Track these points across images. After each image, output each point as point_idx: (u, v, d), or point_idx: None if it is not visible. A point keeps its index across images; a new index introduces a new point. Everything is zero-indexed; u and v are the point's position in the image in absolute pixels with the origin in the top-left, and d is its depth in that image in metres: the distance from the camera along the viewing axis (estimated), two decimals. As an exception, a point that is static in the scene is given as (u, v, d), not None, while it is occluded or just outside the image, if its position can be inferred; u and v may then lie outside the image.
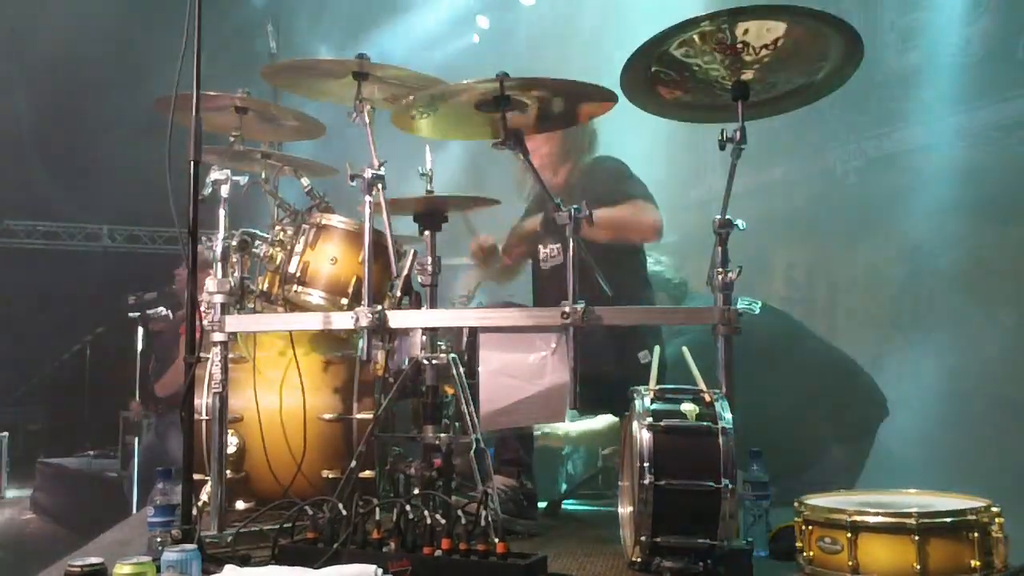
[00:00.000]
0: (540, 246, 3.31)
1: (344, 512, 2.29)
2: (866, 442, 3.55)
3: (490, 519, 2.17)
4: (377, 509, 2.27)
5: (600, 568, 2.37)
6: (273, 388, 3.06)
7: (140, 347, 6.12)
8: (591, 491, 3.52)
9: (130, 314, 6.01)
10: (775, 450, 2.67)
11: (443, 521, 2.18)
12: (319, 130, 3.22)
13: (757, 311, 3.62)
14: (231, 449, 2.94)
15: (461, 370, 2.63)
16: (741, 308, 3.58)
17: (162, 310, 5.86)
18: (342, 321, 2.57)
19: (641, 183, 3.26)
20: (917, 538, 1.97)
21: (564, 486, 3.69)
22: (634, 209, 3.14)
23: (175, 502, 2.41)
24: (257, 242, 2.94)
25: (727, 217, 2.40)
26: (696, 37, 2.30)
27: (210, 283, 2.63)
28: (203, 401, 2.85)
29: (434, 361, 2.63)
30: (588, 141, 3.40)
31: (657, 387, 2.35)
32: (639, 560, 2.20)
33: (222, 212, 2.70)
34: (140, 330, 6.06)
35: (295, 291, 2.90)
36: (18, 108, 6.92)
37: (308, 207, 3.07)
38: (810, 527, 2.14)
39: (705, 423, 2.21)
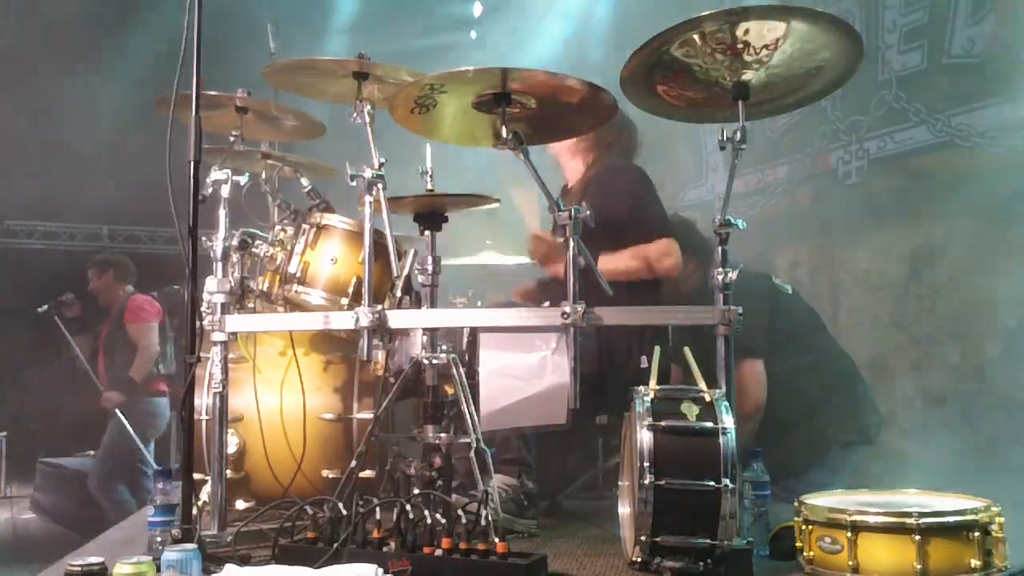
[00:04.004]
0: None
1: (344, 512, 2.29)
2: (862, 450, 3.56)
3: (490, 519, 2.17)
4: (377, 509, 2.27)
5: (600, 568, 2.37)
6: (273, 388, 3.06)
7: (71, 339, 6.18)
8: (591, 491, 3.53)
9: (39, 309, 6.13)
10: (775, 448, 2.68)
11: (443, 521, 2.18)
12: (319, 130, 3.22)
13: (790, 291, 3.66)
14: (231, 449, 2.94)
15: (461, 370, 2.63)
16: (776, 283, 3.64)
17: (71, 295, 6.13)
18: (342, 321, 2.57)
19: (660, 206, 3.27)
20: (918, 538, 1.97)
21: None
22: (659, 252, 3.13)
23: (175, 502, 2.41)
24: (257, 242, 2.94)
25: (727, 217, 2.40)
26: (697, 37, 2.30)
27: (210, 283, 2.63)
28: (203, 401, 2.85)
29: (434, 361, 2.62)
30: (615, 135, 3.39)
31: (657, 387, 2.34)
32: (639, 560, 2.20)
33: (222, 212, 2.70)
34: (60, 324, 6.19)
35: (295, 291, 2.90)
36: (18, 107, 6.91)
37: (308, 207, 3.07)
38: (810, 527, 2.14)
39: (705, 423, 2.21)
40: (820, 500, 2.21)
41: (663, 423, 2.20)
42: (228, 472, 2.72)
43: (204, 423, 2.85)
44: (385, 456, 2.86)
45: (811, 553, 2.14)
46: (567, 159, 3.45)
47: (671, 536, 2.15)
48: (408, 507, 2.22)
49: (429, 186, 2.79)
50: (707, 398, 2.26)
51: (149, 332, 5.98)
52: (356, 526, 2.24)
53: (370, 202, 2.56)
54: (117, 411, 5.73)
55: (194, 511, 2.31)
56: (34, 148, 6.97)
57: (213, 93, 2.78)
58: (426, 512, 2.20)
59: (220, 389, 2.59)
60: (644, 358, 3.01)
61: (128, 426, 5.71)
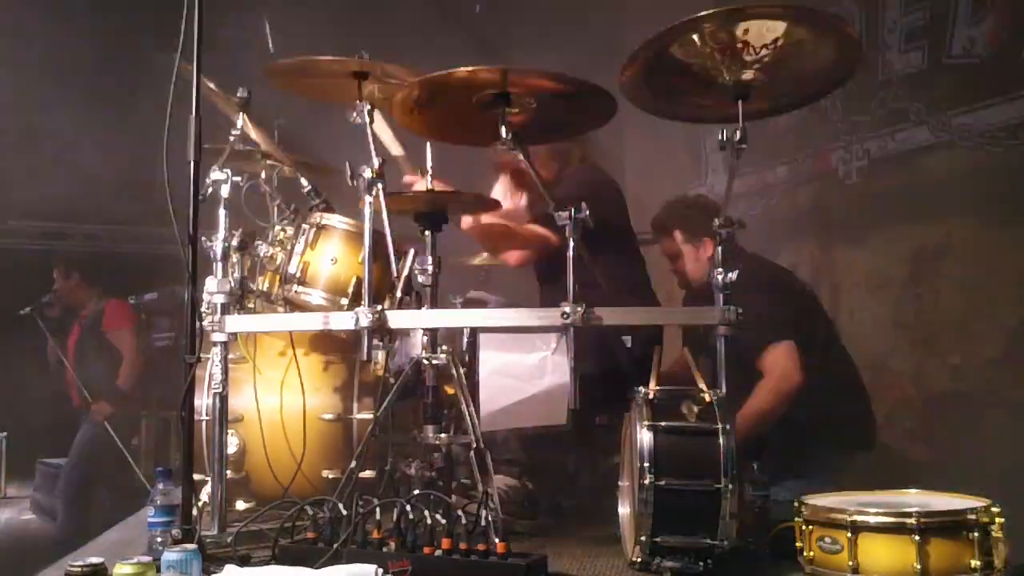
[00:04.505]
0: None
1: (344, 512, 2.29)
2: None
3: (490, 519, 2.17)
4: (377, 509, 2.27)
5: (600, 568, 2.37)
6: (273, 388, 3.06)
7: (51, 339, 6.11)
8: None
9: (20, 312, 6.03)
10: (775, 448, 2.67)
11: (443, 521, 2.18)
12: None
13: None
14: (231, 449, 2.94)
15: (461, 370, 2.63)
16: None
17: (50, 296, 6.03)
18: (342, 321, 2.57)
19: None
20: (918, 538, 1.96)
21: None
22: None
23: (175, 502, 2.41)
24: (257, 242, 2.94)
25: (727, 217, 2.40)
26: (696, 37, 2.30)
27: (210, 283, 2.63)
28: (203, 402, 2.84)
29: (434, 361, 2.62)
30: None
31: (657, 387, 2.34)
32: (639, 560, 2.20)
33: (222, 212, 2.70)
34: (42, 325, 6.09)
35: (295, 291, 2.90)
36: (18, 107, 6.93)
37: (308, 207, 3.07)
38: (810, 527, 2.14)
39: (705, 423, 2.21)
40: (820, 500, 2.21)
41: (663, 423, 2.20)
42: (228, 472, 2.72)
43: (204, 424, 2.85)
44: (385, 456, 2.86)
45: (811, 553, 2.14)
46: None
47: (671, 536, 2.14)
48: (408, 507, 2.22)
49: (429, 185, 2.79)
50: (707, 398, 2.26)
51: (131, 339, 5.91)
52: (356, 526, 2.24)
53: (370, 202, 2.56)
54: (106, 424, 5.65)
55: (194, 512, 2.31)
56: (34, 148, 6.97)
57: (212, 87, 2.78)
58: (426, 512, 2.20)
59: (220, 390, 2.59)
60: (628, 338, 3.00)
61: (117, 440, 5.60)
